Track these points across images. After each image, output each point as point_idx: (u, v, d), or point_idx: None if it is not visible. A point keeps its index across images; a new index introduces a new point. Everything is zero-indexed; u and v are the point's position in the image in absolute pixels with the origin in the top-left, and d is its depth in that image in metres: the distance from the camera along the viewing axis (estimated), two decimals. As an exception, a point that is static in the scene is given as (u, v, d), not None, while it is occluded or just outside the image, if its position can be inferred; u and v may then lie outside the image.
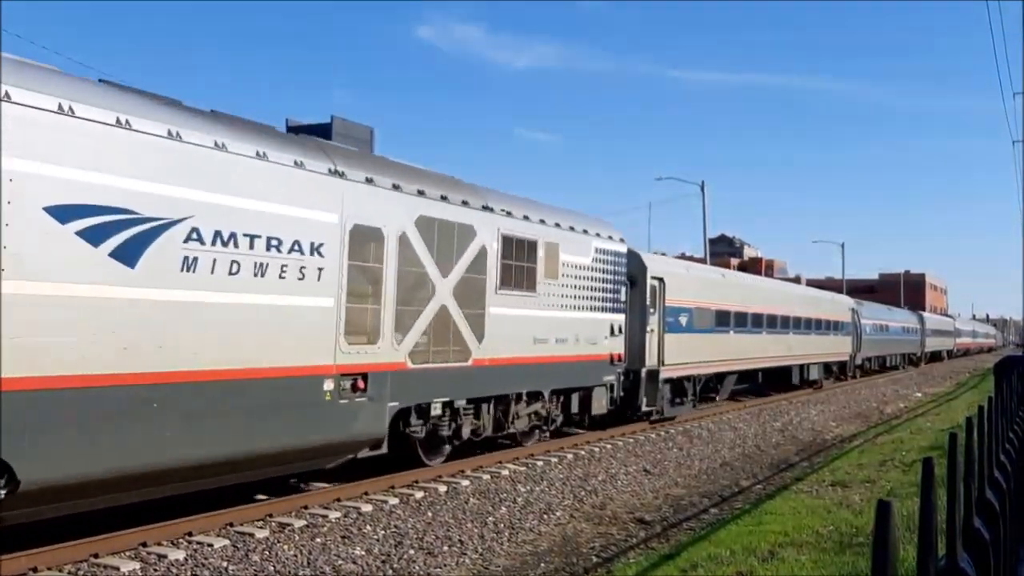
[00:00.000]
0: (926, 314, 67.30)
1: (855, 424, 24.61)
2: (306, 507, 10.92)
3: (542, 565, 9.49)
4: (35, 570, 8.01)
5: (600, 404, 17.08)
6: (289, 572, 8.64)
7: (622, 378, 18.01)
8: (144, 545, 8.94)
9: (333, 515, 10.66)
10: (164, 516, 9.80)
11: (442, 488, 12.52)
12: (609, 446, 17.38)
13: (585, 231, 16.77)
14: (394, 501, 11.60)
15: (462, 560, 9.43)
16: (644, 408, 19.44)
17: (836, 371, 38.07)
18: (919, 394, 36.14)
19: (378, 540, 9.86)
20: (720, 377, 25.27)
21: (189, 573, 8.41)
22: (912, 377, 48.18)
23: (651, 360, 19.61)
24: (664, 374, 20.13)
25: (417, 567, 9.07)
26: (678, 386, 21.49)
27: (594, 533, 11.01)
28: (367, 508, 11.13)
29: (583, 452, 16.41)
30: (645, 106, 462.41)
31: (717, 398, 25.85)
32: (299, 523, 10.23)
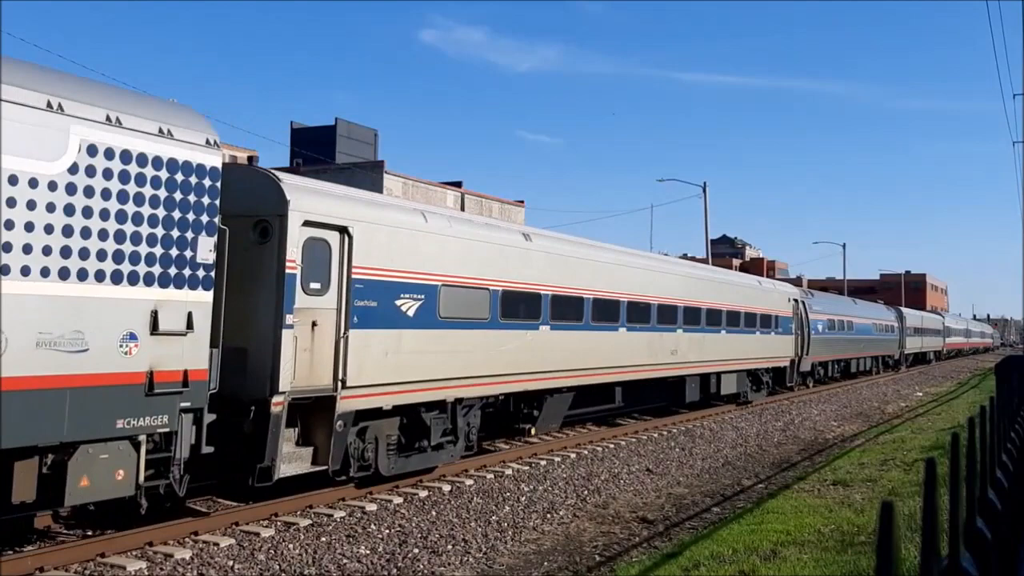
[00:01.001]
0: (907, 310, 58.67)
1: (856, 423, 24.65)
2: (311, 507, 10.99)
3: (545, 564, 9.54)
4: (42, 569, 8.07)
5: (108, 481, 8.42)
6: (294, 571, 8.70)
7: (205, 418, 9.31)
8: (150, 544, 9.01)
9: (338, 514, 10.72)
10: (170, 516, 9.86)
11: (446, 487, 12.58)
12: (612, 445, 17.44)
13: (45, 105, 7.92)
14: (398, 500, 11.66)
15: (466, 559, 9.48)
16: (291, 467, 10.46)
17: (768, 381, 28.30)
18: (920, 393, 36.19)
19: (383, 539, 9.92)
20: (533, 398, 15.80)
21: (195, 572, 8.47)
22: (913, 377, 48.20)
23: (312, 377, 10.59)
24: (352, 403, 11.06)
25: (421, 566, 9.12)
26: (414, 420, 12.49)
27: (597, 532, 11.07)
28: (372, 507, 11.20)
29: (586, 452, 16.48)
30: (647, 108, 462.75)
31: (533, 430, 16.19)
32: (304, 522, 10.30)
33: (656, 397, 21.84)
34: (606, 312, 17.57)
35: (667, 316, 20.44)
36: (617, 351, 18.00)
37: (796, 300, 30.85)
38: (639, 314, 19.01)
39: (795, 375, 30.69)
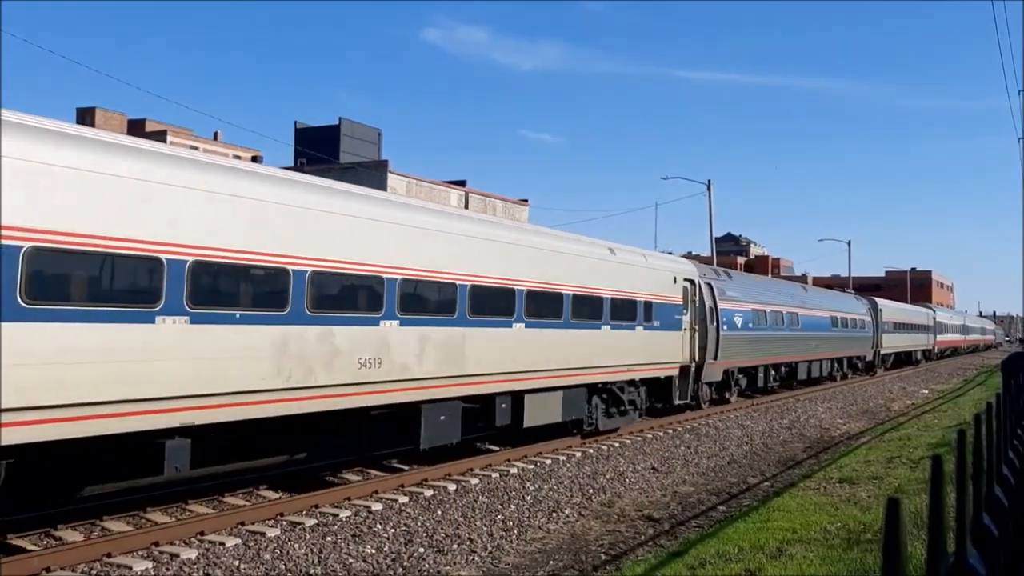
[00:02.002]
0: (885, 301, 49.20)
1: (862, 421, 24.59)
2: (317, 506, 11.00)
3: (551, 563, 9.54)
4: (48, 570, 8.09)
5: None
6: (300, 570, 8.71)
7: None
8: (156, 544, 9.03)
9: (344, 514, 10.73)
10: (176, 516, 9.88)
11: (451, 486, 12.59)
12: (617, 444, 17.43)
13: None
14: (404, 499, 11.67)
15: (471, 558, 9.48)
16: None
17: (637, 400, 18.95)
18: (926, 391, 36.12)
19: (388, 538, 9.92)
20: None
21: (201, 572, 8.48)
22: (919, 374, 48.11)
23: None
24: None
25: (427, 565, 9.12)
26: None
27: (602, 531, 11.06)
28: (377, 506, 11.21)
29: (591, 450, 16.47)
30: (651, 106, 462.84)
31: None
32: (310, 522, 10.31)
33: (350, 443, 12.59)
34: (124, 287, 8.46)
35: (351, 296, 11.14)
36: (148, 367, 8.47)
37: (691, 282, 21.40)
38: (256, 293, 9.86)
39: (692, 388, 21.35)
